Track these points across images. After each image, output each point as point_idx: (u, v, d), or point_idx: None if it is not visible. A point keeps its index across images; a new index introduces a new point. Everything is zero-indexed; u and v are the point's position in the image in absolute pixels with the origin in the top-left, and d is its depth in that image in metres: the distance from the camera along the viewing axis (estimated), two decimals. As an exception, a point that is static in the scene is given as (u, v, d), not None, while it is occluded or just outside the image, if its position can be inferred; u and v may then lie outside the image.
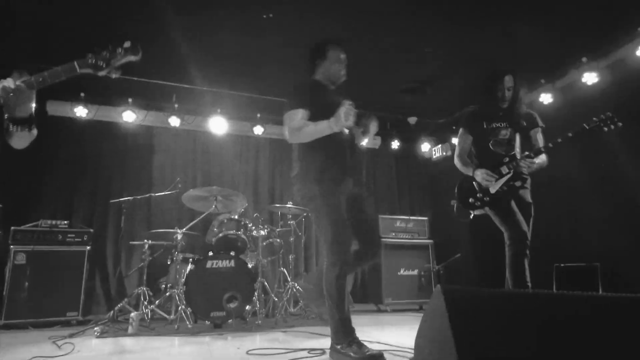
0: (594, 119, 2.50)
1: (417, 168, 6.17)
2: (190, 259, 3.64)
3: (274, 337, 2.97)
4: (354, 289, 5.33)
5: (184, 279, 3.36)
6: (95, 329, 3.07)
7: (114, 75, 1.56)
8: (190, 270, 3.39)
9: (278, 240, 4.15)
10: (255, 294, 3.49)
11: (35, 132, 1.60)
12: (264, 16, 3.35)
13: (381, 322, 3.73)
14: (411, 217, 5.11)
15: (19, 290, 3.43)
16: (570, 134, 2.50)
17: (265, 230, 3.96)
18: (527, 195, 2.72)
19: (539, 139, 2.72)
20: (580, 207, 4.02)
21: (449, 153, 5.68)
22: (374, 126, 2.45)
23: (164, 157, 4.98)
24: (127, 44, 1.55)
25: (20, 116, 1.53)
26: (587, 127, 2.50)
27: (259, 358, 2.31)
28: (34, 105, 1.55)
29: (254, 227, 3.90)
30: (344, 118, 2.03)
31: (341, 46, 2.41)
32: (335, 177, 2.22)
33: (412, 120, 5.49)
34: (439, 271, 4.79)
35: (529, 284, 2.48)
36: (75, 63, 1.51)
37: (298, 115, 2.18)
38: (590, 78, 3.86)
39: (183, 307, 3.28)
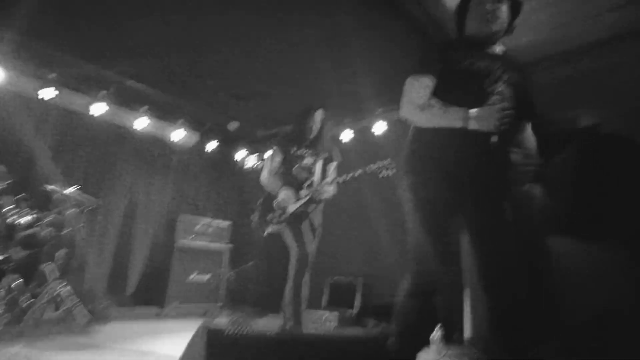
0: (377, 163, 3.01)
1: (228, 173, 6.16)
2: None
3: (11, 353, 2.40)
4: (137, 291, 4.86)
5: None
6: None
7: None
8: None
9: (48, 229, 3.43)
10: (-2, 294, 2.77)
11: None
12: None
13: (161, 330, 3.51)
14: (213, 221, 5.05)
15: None
16: (356, 174, 2.94)
17: (32, 216, 3.21)
18: (317, 218, 3.05)
19: (333, 172, 3.11)
20: (355, 230, 4.78)
21: (260, 164, 5.90)
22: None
23: None
24: None
25: None
26: (369, 170, 2.99)
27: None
28: None
29: (13, 211, 3.11)
30: (493, 118, 1.45)
31: None
32: (442, 170, 1.58)
33: (233, 125, 5.49)
34: (230, 277, 4.87)
35: (305, 299, 2.78)
36: None
37: (417, 85, 1.60)
38: (380, 127, 4.66)
39: None
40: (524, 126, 1.70)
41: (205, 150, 5.67)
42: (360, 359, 0.97)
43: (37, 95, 4.15)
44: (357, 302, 4.27)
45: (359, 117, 4.93)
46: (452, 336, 2.89)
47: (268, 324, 4.07)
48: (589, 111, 3.82)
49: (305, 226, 2.88)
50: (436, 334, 2.80)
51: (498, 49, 1.71)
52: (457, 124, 1.50)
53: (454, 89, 1.55)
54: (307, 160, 3.05)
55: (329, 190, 2.93)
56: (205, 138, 5.64)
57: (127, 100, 4.80)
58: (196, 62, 4.06)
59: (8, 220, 3.05)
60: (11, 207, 3.16)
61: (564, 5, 2.87)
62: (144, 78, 4.51)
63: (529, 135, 1.72)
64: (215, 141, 5.67)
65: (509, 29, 1.72)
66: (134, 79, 4.49)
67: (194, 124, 5.44)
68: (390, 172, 3.00)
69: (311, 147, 3.07)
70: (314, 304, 4.18)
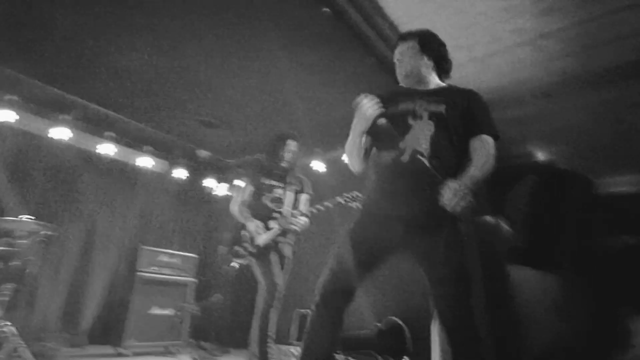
0: (346, 195, 3.04)
1: (198, 202, 6.02)
2: None
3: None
4: (92, 328, 4.54)
5: None
6: None
7: None
8: None
9: (-5, 262, 3.18)
10: None
11: None
12: None
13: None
14: (179, 252, 4.85)
15: None
16: (328, 205, 2.95)
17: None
18: (287, 250, 3.00)
19: (303, 205, 3.10)
20: (324, 261, 4.72)
21: (231, 193, 5.81)
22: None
23: None
24: None
25: None
26: (342, 202, 3.02)
27: None
28: None
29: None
30: (364, 108, 1.69)
31: (399, 41, 1.96)
32: (366, 203, 1.84)
33: (202, 153, 5.42)
34: (194, 312, 4.65)
35: (271, 334, 2.68)
36: None
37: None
38: (351, 158, 4.74)
39: None
40: (471, 143, 1.72)
41: (173, 178, 5.53)
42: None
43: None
44: (326, 336, 4.17)
45: (330, 147, 5.01)
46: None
47: (233, 362, 3.89)
48: (543, 148, 4.06)
49: (274, 258, 2.83)
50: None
51: (432, 85, 1.87)
52: (354, 134, 1.76)
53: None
54: (278, 191, 3.03)
55: (300, 222, 2.91)
56: (173, 166, 5.52)
57: (91, 125, 4.67)
58: (165, 89, 4.03)
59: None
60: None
61: (518, 53, 3.10)
62: (109, 103, 4.41)
63: (477, 149, 1.69)
64: (184, 169, 5.55)
65: (441, 68, 1.92)
66: (98, 103, 4.38)
67: (162, 151, 5.34)
68: (359, 204, 3.03)
69: (282, 177, 3.06)
70: (282, 338, 4.06)
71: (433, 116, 1.70)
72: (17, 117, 4.07)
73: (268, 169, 3.05)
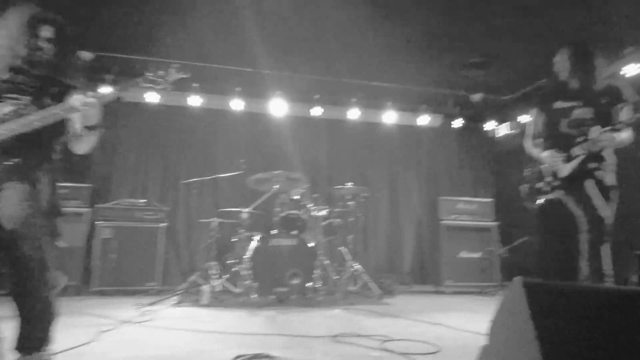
0: None
1: (480, 147, 5.88)
2: (255, 237, 3.82)
3: (334, 314, 3.08)
4: (412, 270, 5.31)
5: (249, 255, 3.54)
6: (172, 298, 3.38)
7: (170, 89, 1.81)
8: (256, 247, 3.57)
9: (337, 220, 4.23)
10: (316, 271, 3.61)
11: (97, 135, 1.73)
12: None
13: (442, 305, 3.71)
14: (474, 199, 4.94)
15: (106, 261, 3.85)
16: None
17: (325, 210, 4.04)
18: (607, 177, 2.49)
19: (624, 115, 2.44)
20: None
21: (515, 131, 5.35)
22: None
23: (227, 139, 5.19)
24: (176, 66, 1.77)
25: (92, 124, 1.66)
26: None
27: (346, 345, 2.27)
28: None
29: (313, 208, 4.00)
30: None
31: None
32: None
33: (476, 97, 5.21)
34: (503, 255, 4.62)
35: (606, 272, 2.32)
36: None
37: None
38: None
39: (250, 281, 3.46)
40: None
41: (452, 128, 5.64)
42: None
43: (310, 114, 5.17)
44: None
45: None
46: None
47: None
48: None
49: (592, 189, 2.40)
50: None
51: None
52: None
53: None
54: (579, 112, 2.53)
55: (618, 138, 2.31)
56: (450, 116, 5.62)
57: (375, 100, 5.33)
58: (424, 45, 4.08)
59: (312, 214, 3.92)
60: (311, 205, 4.05)
61: None
62: (388, 76, 4.87)
63: None
64: (460, 118, 5.55)
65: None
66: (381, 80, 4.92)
67: (436, 106, 5.51)
68: None
69: (579, 95, 2.52)
70: (620, 281, 3.44)
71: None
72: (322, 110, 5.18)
73: (558, 90, 2.59)
